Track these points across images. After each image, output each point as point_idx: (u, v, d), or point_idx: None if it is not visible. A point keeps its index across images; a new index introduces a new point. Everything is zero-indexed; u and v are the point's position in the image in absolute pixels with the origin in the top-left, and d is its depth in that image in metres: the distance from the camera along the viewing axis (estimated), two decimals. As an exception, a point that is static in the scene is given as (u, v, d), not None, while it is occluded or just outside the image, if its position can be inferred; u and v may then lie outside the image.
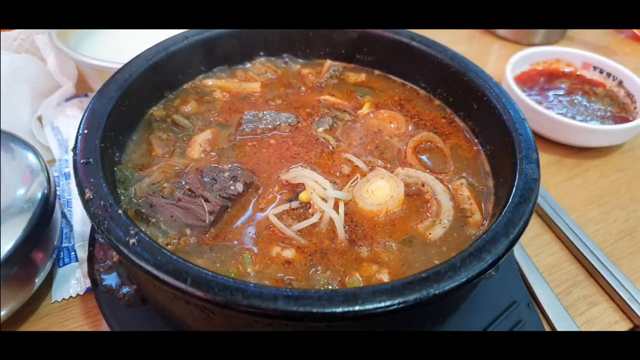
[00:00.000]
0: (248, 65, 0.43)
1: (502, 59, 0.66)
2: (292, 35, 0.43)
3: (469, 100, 0.38)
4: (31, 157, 0.41)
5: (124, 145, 0.36)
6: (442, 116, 0.40)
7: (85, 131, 0.31)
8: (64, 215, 0.43)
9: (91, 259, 0.38)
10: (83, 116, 0.33)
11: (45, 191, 0.38)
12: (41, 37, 0.51)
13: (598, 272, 0.43)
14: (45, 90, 0.52)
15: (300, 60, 0.44)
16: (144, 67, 0.37)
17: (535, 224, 0.47)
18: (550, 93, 0.58)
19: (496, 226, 0.28)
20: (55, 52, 0.49)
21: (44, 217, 0.37)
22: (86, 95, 0.54)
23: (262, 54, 0.44)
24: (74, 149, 0.31)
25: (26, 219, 0.36)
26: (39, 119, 0.50)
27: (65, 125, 0.50)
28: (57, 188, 0.44)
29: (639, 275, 0.43)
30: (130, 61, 0.37)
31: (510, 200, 0.29)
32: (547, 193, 0.49)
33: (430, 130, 0.39)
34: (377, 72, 0.44)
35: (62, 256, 0.41)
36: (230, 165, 0.34)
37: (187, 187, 0.32)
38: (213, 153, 0.36)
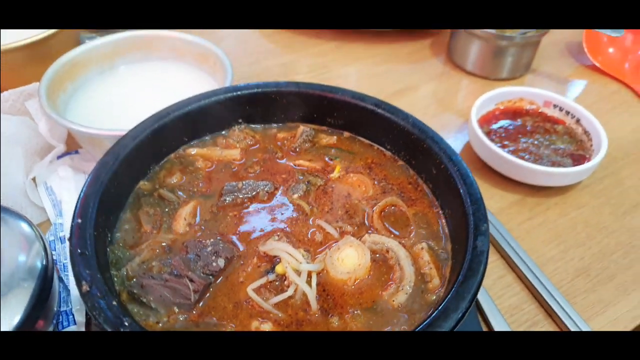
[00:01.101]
0: (230, 130, 0.47)
1: (470, 94, 0.70)
2: (269, 102, 0.47)
3: (429, 165, 0.42)
4: (26, 227, 0.44)
5: (114, 224, 0.39)
6: (408, 181, 0.44)
7: (79, 220, 0.34)
8: (60, 279, 0.46)
9: (89, 323, 0.41)
10: (77, 204, 0.36)
11: (44, 262, 0.41)
12: (32, 103, 0.54)
13: (554, 311, 0.47)
14: (37, 150, 0.55)
15: (275, 125, 0.48)
16: (131, 147, 0.40)
17: (499, 265, 0.50)
18: (514, 130, 0.61)
19: (446, 302, 0.31)
20: (45, 118, 0.52)
21: (45, 290, 0.40)
22: (76, 152, 0.57)
23: (240, 121, 0.47)
24: (70, 239, 0.34)
25: (28, 293, 0.39)
26: (33, 179, 0.53)
27: (58, 186, 0.53)
28: (53, 252, 0.47)
29: (592, 312, 0.47)
30: (117, 142, 0.40)
31: (460, 273, 0.33)
32: (510, 235, 0.53)
33: (397, 194, 0.43)
34: (346, 134, 0.48)
35: (60, 320, 0.44)
36: (212, 240, 0.38)
37: (173, 268, 0.35)
38: (196, 226, 0.39)
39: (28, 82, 0.62)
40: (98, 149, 0.52)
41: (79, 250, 0.33)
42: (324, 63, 0.75)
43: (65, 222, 0.49)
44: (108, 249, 0.37)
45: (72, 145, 0.57)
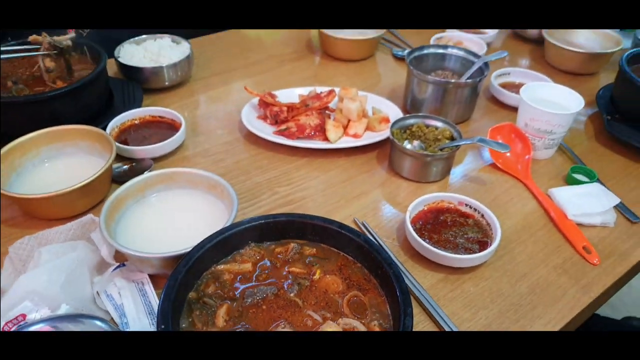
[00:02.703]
0: (244, 249, 0.68)
1: (408, 194, 0.93)
2: (270, 228, 0.68)
3: (376, 268, 0.64)
4: (102, 324, 0.64)
5: (179, 325, 0.59)
6: (364, 278, 0.66)
7: (163, 326, 0.55)
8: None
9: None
10: (157, 315, 0.56)
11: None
12: (95, 234, 0.74)
13: (468, 357, 0.68)
14: (96, 266, 0.75)
15: (274, 243, 0.70)
16: (183, 272, 0.60)
17: (430, 326, 0.72)
18: (438, 225, 0.85)
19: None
20: (106, 244, 0.72)
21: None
22: (124, 265, 0.76)
23: (250, 242, 0.69)
24: (159, 338, 0.54)
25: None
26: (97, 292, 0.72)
27: (116, 294, 0.72)
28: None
29: None
30: (175, 269, 0.60)
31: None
32: (437, 304, 0.74)
33: (357, 287, 0.65)
34: (323, 245, 0.69)
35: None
36: (240, 327, 0.58)
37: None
38: (230, 321, 0.60)
39: (78, 211, 0.83)
40: (141, 264, 0.73)
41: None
42: (299, 175, 0.96)
43: (129, 320, 0.69)
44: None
45: (119, 259, 0.77)
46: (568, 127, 0.98)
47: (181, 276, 0.60)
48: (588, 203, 0.89)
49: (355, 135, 1.03)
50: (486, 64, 1.09)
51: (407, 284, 0.62)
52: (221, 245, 0.65)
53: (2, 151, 0.83)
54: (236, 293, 0.63)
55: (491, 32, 1.42)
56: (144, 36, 1.19)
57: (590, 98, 1.17)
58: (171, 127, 1.01)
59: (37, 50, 0.99)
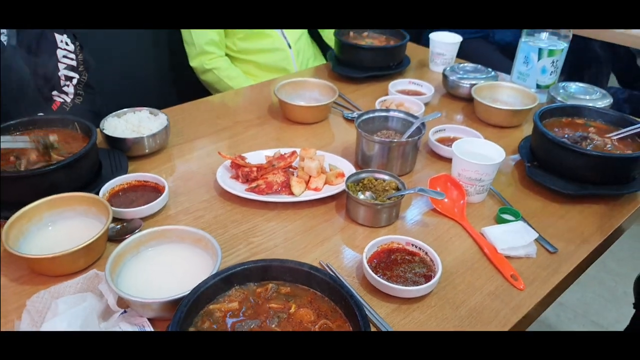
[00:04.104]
0: (231, 291, 0.81)
1: (364, 238, 1.06)
2: (252, 271, 0.82)
3: (340, 299, 0.78)
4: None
5: (182, 355, 0.71)
6: (331, 309, 0.79)
7: None
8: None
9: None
10: (167, 347, 0.68)
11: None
12: (102, 285, 0.86)
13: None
14: (101, 313, 0.86)
15: (255, 284, 0.83)
16: (184, 312, 0.73)
17: (388, 348, 0.86)
18: (390, 263, 1.00)
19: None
20: (112, 294, 0.84)
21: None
22: (125, 311, 0.88)
23: (235, 284, 0.82)
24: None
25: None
26: (104, 334, 0.83)
27: (122, 336, 0.83)
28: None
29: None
30: (176, 311, 0.73)
31: None
32: (392, 329, 0.89)
33: (325, 317, 0.78)
34: (296, 284, 0.83)
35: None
36: (236, 356, 0.71)
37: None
38: (225, 350, 0.73)
39: (80, 268, 0.94)
40: (142, 309, 0.85)
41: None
42: (270, 226, 1.10)
43: (135, 358, 0.80)
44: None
45: (122, 306, 0.88)
46: (494, 175, 1.16)
47: (182, 315, 0.72)
48: (513, 238, 1.06)
49: (316, 189, 1.18)
50: (423, 124, 1.27)
51: (367, 313, 0.77)
52: (212, 288, 0.78)
53: (10, 219, 0.94)
54: (227, 327, 0.76)
55: (429, 94, 1.63)
56: (124, 110, 1.33)
57: (515, 148, 1.38)
58: (155, 190, 1.14)
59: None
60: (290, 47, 2.07)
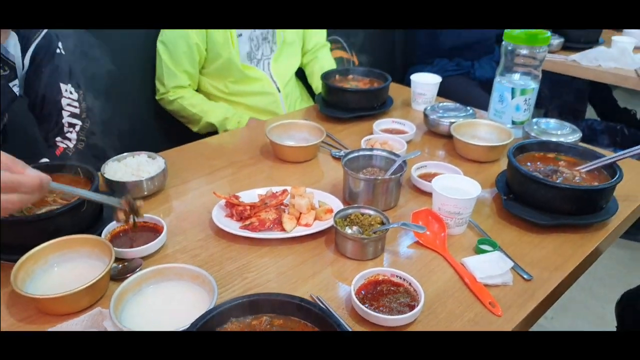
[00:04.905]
0: (226, 325, 0.86)
1: (352, 270, 1.12)
2: (248, 305, 0.87)
3: (329, 330, 0.84)
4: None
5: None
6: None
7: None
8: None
9: None
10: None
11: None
12: (107, 322, 0.90)
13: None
14: (105, 349, 0.90)
15: (250, 317, 0.88)
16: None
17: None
18: (377, 294, 1.05)
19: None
20: (117, 330, 0.89)
21: None
22: (127, 347, 0.92)
23: (232, 318, 0.87)
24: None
25: None
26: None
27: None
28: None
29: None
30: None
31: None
32: (379, 356, 0.94)
33: (316, 346, 0.83)
34: (289, 316, 0.88)
35: None
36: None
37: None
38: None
39: (84, 307, 0.99)
40: (144, 344, 0.89)
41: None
42: (263, 262, 1.14)
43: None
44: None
45: (124, 343, 0.92)
46: (471, 208, 1.23)
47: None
48: (491, 268, 1.11)
49: (306, 225, 1.24)
50: (404, 161, 1.35)
51: (354, 340, 0.82)
52: (210, 322, 0.83)
53: (19, 262, 0.99)
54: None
55: (411, 132, 1.71)
56: (124, 154, 1.40)
57: (493, 181, 1.45)
58: (154, 230, 1.19)
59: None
60: (279, 90, 2.15)
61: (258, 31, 1.99)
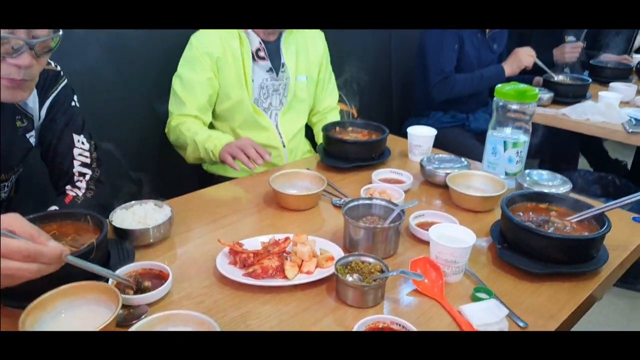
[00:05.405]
0: None
1: (352, 319, 1.13)
2: None
3: None
4: None
5: None
6: None
7: None
8: None
9: None
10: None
11: None
12: None
13: None
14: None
15: None
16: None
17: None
18: (377, 341, 1.07)
19: None
20: None
21: None
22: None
23: None
24: None
25: None
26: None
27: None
28: None
29: None
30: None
31: None
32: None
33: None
34: None
35: None
36: None
37: None
38: None
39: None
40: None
41: None
42: (266, 309, 1.13)
43: None
44: None
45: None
46: (467, 256, 1.26)
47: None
48: (487, 315, 1.13)
49: (308, 272, 1.27)
50: (402, 210, 1.39)
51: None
52: None
53: (27, 308, 1.01)
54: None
55: (408, 182, 1.76)
56: (132, 202, 1.44)
57: (488, 230, 1.49)
58: (159, 277, 1.22)
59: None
60: (284, 145, 2.16)
61: (270, 81, 1.99)
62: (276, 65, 2.00)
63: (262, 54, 1.96)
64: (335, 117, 2.32)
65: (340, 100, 2.64)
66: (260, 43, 1.94)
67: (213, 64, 1.87)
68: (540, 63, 2.93)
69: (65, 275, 1.11)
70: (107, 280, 1.16)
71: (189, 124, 1.89)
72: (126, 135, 2.08)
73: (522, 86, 1.75)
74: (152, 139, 2.19)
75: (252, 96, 1.95)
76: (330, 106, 2.25)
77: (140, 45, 2.06)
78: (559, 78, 3.04)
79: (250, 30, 1.90)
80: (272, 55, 1.98)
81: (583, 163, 4.00)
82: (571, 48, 3.25)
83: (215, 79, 1.89)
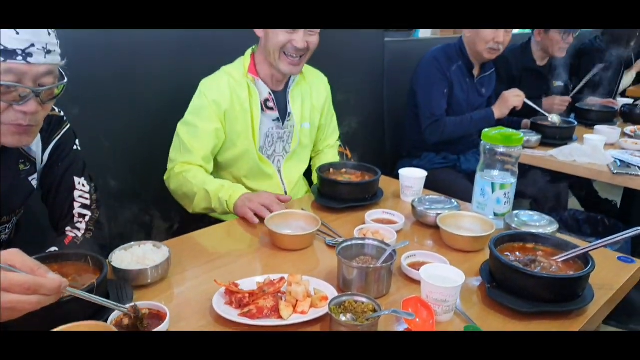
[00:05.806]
0: None
1: (345, 357, 1.18)
2: None
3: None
4: None
5: None
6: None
7: None
8: None
9: None
10: None
11: None
12: None
13: None
14: None
15: None
16: None
17: None
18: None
19: None
20: None
21: None
22: None
23: None
24: None
25: None
26: None
27: None
28: None
29: None
30: None
31: None
32: None
33: None
34: None
35: None
36: None
37: None
38: None
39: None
40: None
41: None
42: None
43: None
44: None
45: None
46: (457, 295, 1.29)
47: None
48: (477, 353, 1.16)
49: (302, 312, 1.30)
50: (394, 251, 1.43)
51: None
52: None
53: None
54: None
55: (400, 222, 1.80)
56: (131, 243, 1.47)
57: (478, 270, 1.52)
58: (157, 317, 1.24)
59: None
60: (286, 193, 2.10)
61: (275, 129, 1.99)
62: (282, 114, 2.00)
63: (270, 104, 1.96)
64: (334, 154, 2.32)
65: (336, 141, 2.70)
66: (269, 94, 1.94)
67: (221, 114, 1.84)
68: (529, 102, 3.02)
69: (65, 315, 1.13)
70: (106, 320, 1.19)
71: (195, 172, 1.83)
72: (126, 183, 2.10)
73: (508, 130, 1.82)
74: (152, 183, 2.23)
75: (258, 145, 1.94)
76: (330, 144, 2.26)
77: (146, 88, 2.12)
78: (552, 119, 3.11)
79: (259, 80, 1.90)
80: (280, 104, 1.98)
81: (574, 203, 4.06)
82: (560, 101, 3.36)
83: (222, 129, 1.87)
